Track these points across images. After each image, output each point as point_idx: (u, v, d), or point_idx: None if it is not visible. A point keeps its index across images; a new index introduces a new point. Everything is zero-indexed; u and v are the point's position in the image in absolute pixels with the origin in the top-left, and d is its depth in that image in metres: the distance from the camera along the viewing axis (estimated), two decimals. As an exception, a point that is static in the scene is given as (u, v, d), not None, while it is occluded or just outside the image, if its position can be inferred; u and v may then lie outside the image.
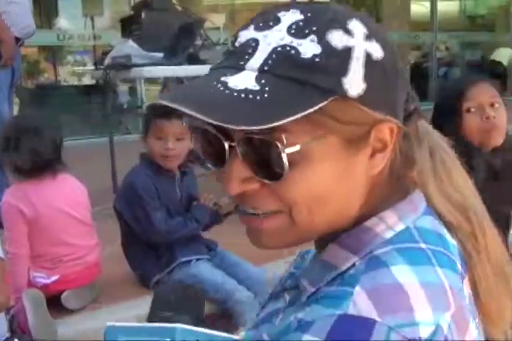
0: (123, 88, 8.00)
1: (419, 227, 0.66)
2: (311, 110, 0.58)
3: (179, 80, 4.33)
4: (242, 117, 0.56)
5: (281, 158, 0.59)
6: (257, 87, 0.58)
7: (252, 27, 0.65)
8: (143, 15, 3.87)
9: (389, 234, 0.65)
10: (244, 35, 0.64)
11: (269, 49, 0.61)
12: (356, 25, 0.63)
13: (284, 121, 0.56)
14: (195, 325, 0.70)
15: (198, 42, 3.81)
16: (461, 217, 0.71)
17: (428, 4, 11.18)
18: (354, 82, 0.61)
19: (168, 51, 3.71)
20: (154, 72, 3.69)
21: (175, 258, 2.48)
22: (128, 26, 4.01)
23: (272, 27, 0.62)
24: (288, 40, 0.61)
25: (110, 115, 4.56)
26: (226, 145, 0.62)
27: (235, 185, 0.62)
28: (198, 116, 0.55)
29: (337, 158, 0.62)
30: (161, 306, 0.66)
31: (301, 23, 0.62)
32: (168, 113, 2.41)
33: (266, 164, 0.61)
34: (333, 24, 0.62)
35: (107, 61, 3.89)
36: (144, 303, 2.26)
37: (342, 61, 0.61)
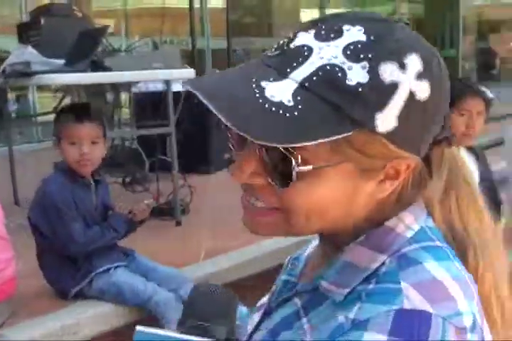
0: (12, 96, 7.71)
1: (430, 227, 0.70)
2: (334, 138, 0.58)
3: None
4: (268, 133, 0.57)
5: (291, 173, 0.61)
6: (291, 103, 0.58)
7: (313, 32, 0.63)
8: (42, 21, 3.76)
9: (409, 234, 0.68)
10: (303, 39, 0.63)
11: (319, 64, 0.60)
12: (413, 61, 0.61)
13: (306, 144, 0.57)
14: (229, 337, 0.67)
15: (100, 49, 3.75)
16: (459, 249, 0.72)
17: (317, 12, 11.54)
18: (387, 119, 0.60)
19: (70, 58, 3.63)
20: (57, 79, 3.60)
21: (93, 268, 2.46)
22: (25, 32, 3.89)
23: (331, 39, 0.61)
24: (340, 59, 0.60)
25: (5, 124, 4.39)
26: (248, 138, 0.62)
27: (244, 176, 0.64)
28: (224, 121, 0.56)
29: (346, 183, 0.64)
30: (194, 313, 0.62)
31: (359, 46, 0.60)
32: (79, 116, 2.37)
33: (278, 170, 0.62)
34: (391, 56, 0.60)
35: (4, 68, 3.75)
36: (66, 314, 2.22)
37: (383, 96, 0.60)
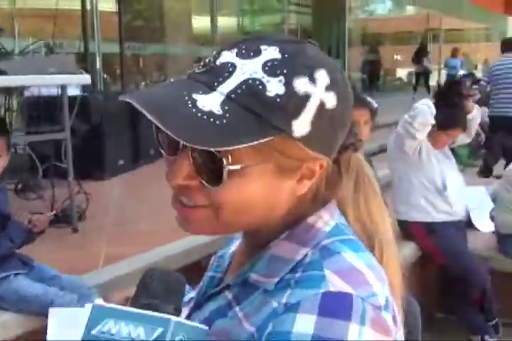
0: None
1: (343, 223, 0.79)
2: (258, 142, 0.66)
3: None
4: (201, 138, 0.64)
5: (222, 172, 0.68)
6: (220, 112, 0.66)
7: (235, 51, 0.71)
8: None
9: (327, 229, 0.77)
10: (226, 57, 0.71)
11: (242, 78, 0.68)
12: (322, 76, 0.70)
13: (234, 147, 0.65)
14: (177, 316, 0.70)
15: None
16: (368, 243, 0.81)
17: (208, 19, 11.62)
18: (301, 125, 0.69)
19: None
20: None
21: (-9, 275, 2.39)
22: None
23: (251, 57, 0.70)
24: (260, 74, 0.68)
25: None
26: (181, 143, 0.70)
27: (178, 179, 0.71)
28: (164, 129, 0.64)
29: (269, 180, 0.72)
30: (145, 293, 0.66)
31: (276, 63, 0.69)
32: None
33: (209, 171, 0.70)
34: (303, 71, 0.69)
35: None
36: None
37: (298, 106, 0.68)
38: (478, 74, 11.89)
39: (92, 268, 3.03)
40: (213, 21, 11.52)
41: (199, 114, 0.66)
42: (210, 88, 0.69)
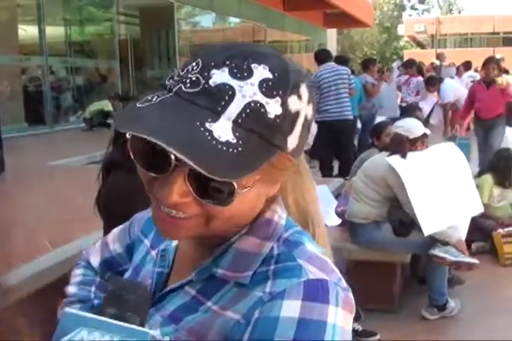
0: None
1: (288, 215, 0.86)
2: (265, 163, 0.70)
3: None
4: (222, 169, 0.65)
5: (232, 195, 0.71)
6: (235, 141, 0.67)
7: (226, 70, 0.71)
8: None
9: (283, 222, 0.83)
10: (220, 77, 0.70)
11: (244, 102, 0.69)
12: (304, 90, 0.74)
13: (250, 173, 0.68)
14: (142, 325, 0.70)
15: None
16: (303, 222, 0.89)
17: (35, 28, 11.18)
18: (293, 140, 0.74)
19: None
20: None
21: None
22: None
23: (246, 78, 0.70)
24: (259, 97, 0.69)
25: None
26: (173, 162, 0.69)
27: (174, 197, 0.71)
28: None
29: (259, 190, 0.76)
30: (113, 303, 0.70)
31: (270, 83, 0.70)
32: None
33: (216, 192, 0.71)
34: (293, 89, 0.72)
35: None
36: None
37: (292, 123, 0.73)
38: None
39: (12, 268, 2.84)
40: (41, 31, 11.09)
41: (219, 146, 0.67)
42: (216, 114, 0.69)
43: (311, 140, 3.95)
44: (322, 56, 7.42)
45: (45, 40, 11.09)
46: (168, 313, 0.83)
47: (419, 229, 3.74)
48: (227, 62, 0.72)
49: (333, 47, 25.89)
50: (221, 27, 19.97)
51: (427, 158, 3.99)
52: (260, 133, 0.70)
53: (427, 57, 25.58)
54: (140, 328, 0.68)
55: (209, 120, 0.68)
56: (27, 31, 11.43)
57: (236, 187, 0.70)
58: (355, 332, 3.72)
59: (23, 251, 3.56)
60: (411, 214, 3.76)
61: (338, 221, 4.53)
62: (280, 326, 0.70)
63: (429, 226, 3.71)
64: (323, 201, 4.85)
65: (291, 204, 0.89)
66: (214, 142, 0.66)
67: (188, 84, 0.72)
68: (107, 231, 2.25)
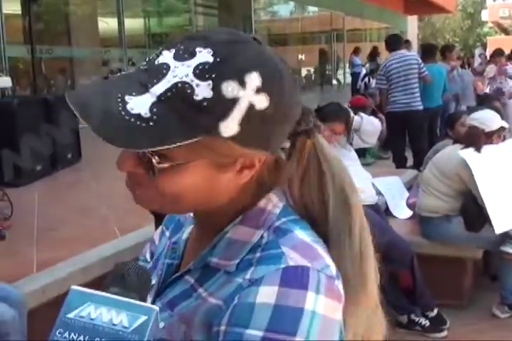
0: None
1: (288, 205, 0.85)
2: (182, 143, 0.71)
3: None
4: (128, 140, 0.70)
5: (153, 168, 0.75)
6: (148, 115, 0.70)
7: (173, 51, 0.74)
8: None
9: (277, 211, 0.83)
10: (165, 57, 0.74)
11: (173, 81, 0.71)
12: (253, 78, 0.73)
13: (160, 148, 0.71)
14: None
15: None
16: (308, 215, 0.86)
17: (115, 20, 11.47)
18: (229, 126, 0.72)
19: None
20: None
21: None
22: None
23: (185, 60, 0.72)
24: (190, 78, 0.71)
25: None
26: None
27: (125, 166, 0.77)
28: (96, 134, 0.69)
29: (206, 174, 0.77)
30: (120, 283, 0.72)
31: (206, 67, 0.71)
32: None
33: (147, 165, 0.75)
34: (232, 75, 0.72)
35: None
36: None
37: (225, 109, 0.72)
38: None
39: (24, 275, 2.98)
40: (120, 23, 11.38)
41: (127, 117, 0.70)
42: (145, 88, 0.73)
43: (373, 132, 3.86)
44: (392, 43, 7.17)
45: (125, 33, 11.36)
46: (167, 300, 0.85)
47: (491, 225, 3.59)
48: (179, 44, 0.75)
49: (413, 35, 25.28)
50: (299, 16, 19.88)
51: (503, 152, 3.81)
52: (182, 112, 0.71)
53: (513, 43, 24.54)
54: (147, 304, 0.69)
55: (133, 94, 0.72)
56: (108, 24, 11.75)
57: (154, 159, 0.73)
58: (421, 327, 3.63)
59: (92, 236, 3.68)
60: (485, 209, 3.61)
61: (409, 213, 4.42)
62: (256, 312, 0.71)
63: (501, 224, 3.56)
64: (395, 192, 4.75)
65: (296, 197, 0.87)
66: (123, 113, 0.70)
67: (144, 62, 0.77)
68: (157, 225, 2.27)
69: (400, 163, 6.90)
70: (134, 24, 12.65)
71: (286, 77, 0.77)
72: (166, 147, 0.71)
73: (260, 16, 16.82)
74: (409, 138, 7.05)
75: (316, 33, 20.46)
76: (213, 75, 0.71)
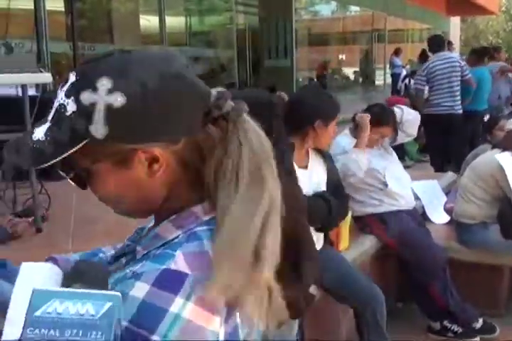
0: None
1: None
2: (68, 153, 0.85)
3: None
4: (22, 160, 0.88)
5: (64, 174, 0.91)
6: (43, 138, 0.86)
7: (61, 83, 0.88)
8: None
9: (206, 218, 0.88)
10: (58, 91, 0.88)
11: (55, 106, 0.87)
12: (103, 83, 0.83)
13: (48, 163, 0.85)
14: None
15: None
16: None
17: (156, 18, 11.56)
18: (97, 128, 0.83)
19: None
20: None
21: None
22: None
23: (63, 87, 0.87)
24: (64, 99, 0.86)
25: None
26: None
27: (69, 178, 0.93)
28: (18, 165, 0.89)
29: (115, 173, 0.88)
30: (77, 279, 0.76)
31: (71, 86, 0.85)
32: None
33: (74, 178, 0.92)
34: (86, 85, 0.84)
35: None
36: None
37: (88, 114, 0.83)
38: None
39: (61, 267, 3.01)
40: (161, 21, 11.45)
41: (31, 144, 0.87)
42: (45, 120, 0.89)
43: (414, 122, 3.77)
44: (435, 44, 7.03)
45: (165, 31, 11.44)
46: (113, 281, 0.89)
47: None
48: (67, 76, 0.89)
49: (456, 36, 24.89)
50: (340, 16, 19.74)
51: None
52: (64, 128, 0.85)
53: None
54: (109, 292, 0.72)
55: (39, 126, 0.88)
56: (150, 21, 11.84)
57: (63, 174, 0.91)
58: (454, 333, 3.59)
59: (129, 231, 3.71)
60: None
61: (447, 218, 4.35)
62: (126, 303, 0.76)
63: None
64: (433, 197, 4.67)
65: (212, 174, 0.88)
66: (29, 142, 0.87)
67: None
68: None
69: (439, 167, 6.80)
70: (175, 22, 12.72)
71: (145, 74, 0.84)
72: (59, 158, 0.84)
73: (301, 15, 16.74)
74: (450, 142, 6.94)
75: (357, 32, 20.28)
76: (74, 91, 0.85)
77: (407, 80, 11.42)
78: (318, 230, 2.82)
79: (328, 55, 17.94)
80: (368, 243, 3.71)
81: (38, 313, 0.67)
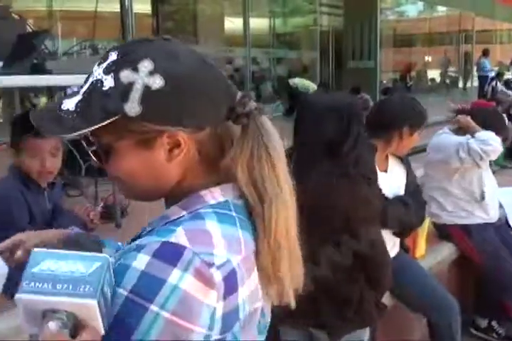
0: None
1: (235, 203, 0.93)
2: (97, 126, 0.87)
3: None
4: (57, 129, 0.89)
5: (100, 157, 0.93)
6: (73, 108, 0.89)
7: (99, 61, 0.91)
8: (-22, 23, 3.69)
9: (212, 202, 0.92)
10: (94, 67, 0.91)
11: (91, 81, 0.90)
12: (145, 65, 0.88)
13: (80, 132, 0.87)
14: None
15: (41, 52, 3.73)
16: (257, 200, 0.92)
17: (240, 20, 11.68)
18: (132, 106, 0.86)
19: (8, 60, 3.60)
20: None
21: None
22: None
23: (101, 63, 0.90)
24: (101, 75, 0.89)
25: None
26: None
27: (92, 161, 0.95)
28: (40, 130, 0.90)
29: (136, 153, 0.90)
30: (72, 245, 0.89)
31: (111, 63, 0.89)
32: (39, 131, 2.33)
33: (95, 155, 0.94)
34: (127, 65, 0.88)
35: None
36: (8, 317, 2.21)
37: (125, 92, 0.87)
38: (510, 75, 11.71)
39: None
40: (245, 23, 11.57)
41: (58, 112, 0.90)
42: (77, 92, 0.92)
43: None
44: None
45: (249, 32, 11.54)
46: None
47: None
48: (104, 54, 0.92)
49: (550, 37, 23.78)
50: (427, 16, 19.32)
51: None
52: (96, 102, 0.87)
53: None
54: (100, 254, 0.79)
55: (68, 97, 0.91)
56: (234, 23, 11.99)
57: (85, 146, 0.94)
58: (498, 335, 3.47)
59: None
60: None
61: (534, 226, 4.17)
62: (127, 274, 0.81)
63: None
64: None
65: (246, 184, 0.92)
66: (58, 111, 0.89)
67: None
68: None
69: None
70: (259, 24, 12.81)
71: (185, 61, 0.90)
72: (87, 130, 0.87)
73: (386, 16, 16.49)
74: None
75: (444, 33, 19.79)
76: (113, 68, 0.88)
77: (493, 83, 11.03)
78: (395, 234, 2.77)
79: (413, 57, 17.58)
80: (446, 251, 3.61)
81: (34, 270, 0.76)
